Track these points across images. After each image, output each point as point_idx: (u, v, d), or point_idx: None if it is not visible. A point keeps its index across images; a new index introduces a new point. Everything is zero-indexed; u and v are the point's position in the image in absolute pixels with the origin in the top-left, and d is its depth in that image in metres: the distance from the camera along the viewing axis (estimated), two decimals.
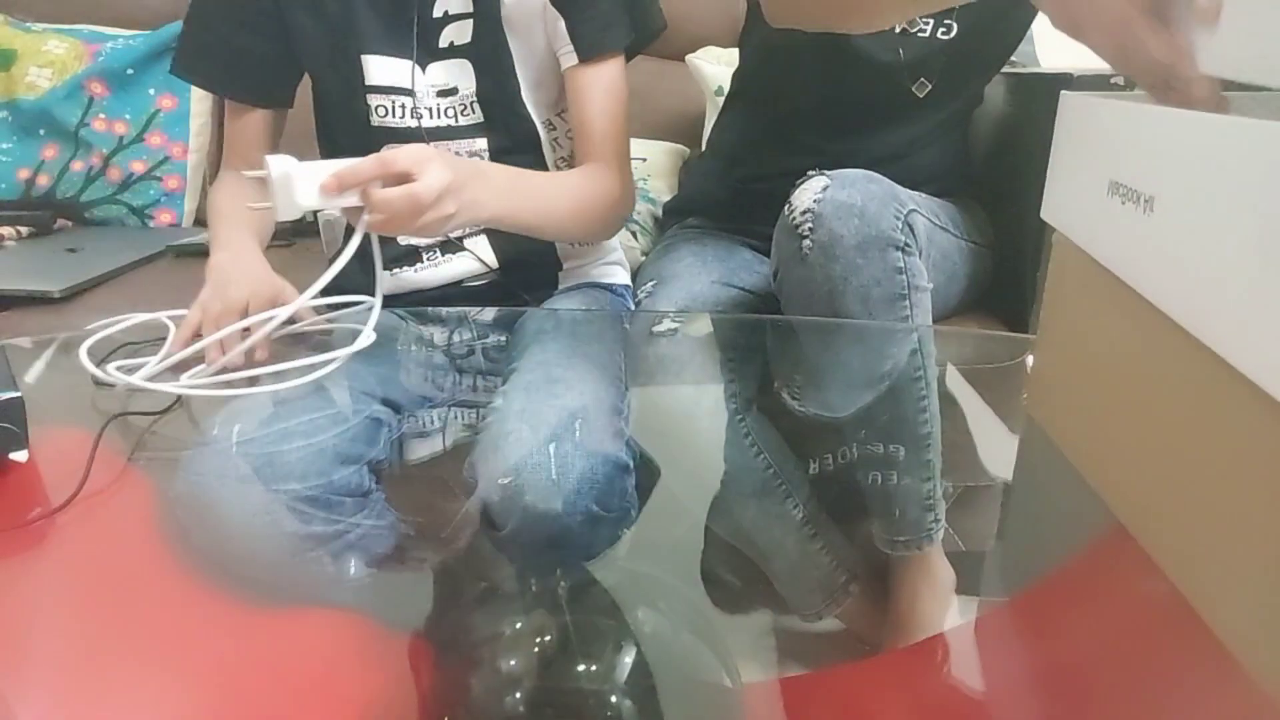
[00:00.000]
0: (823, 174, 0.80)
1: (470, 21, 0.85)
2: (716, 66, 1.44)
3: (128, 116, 1.45)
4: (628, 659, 0.45)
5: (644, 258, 1.12)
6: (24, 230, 1.33)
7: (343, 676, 0.60)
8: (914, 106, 1.02)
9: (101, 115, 1.44)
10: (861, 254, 0.76)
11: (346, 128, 0.90)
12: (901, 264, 0.78)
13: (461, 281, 0.93)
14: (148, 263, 1.26)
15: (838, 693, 0.67)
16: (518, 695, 0.44)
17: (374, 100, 0.87)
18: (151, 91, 1.46)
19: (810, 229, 0.77)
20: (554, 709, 0.44)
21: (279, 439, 0.65)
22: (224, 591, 0.64)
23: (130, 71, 1.44)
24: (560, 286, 0.97)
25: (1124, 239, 0.41)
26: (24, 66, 1.42)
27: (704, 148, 1.34)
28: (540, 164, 0.92)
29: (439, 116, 0.87)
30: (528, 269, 0.94)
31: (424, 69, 0.86)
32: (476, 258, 0.91)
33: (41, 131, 1.43)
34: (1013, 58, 1.28)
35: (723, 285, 0.96)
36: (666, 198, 1.31)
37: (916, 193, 0.90)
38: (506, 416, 0.68)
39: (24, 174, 1.42)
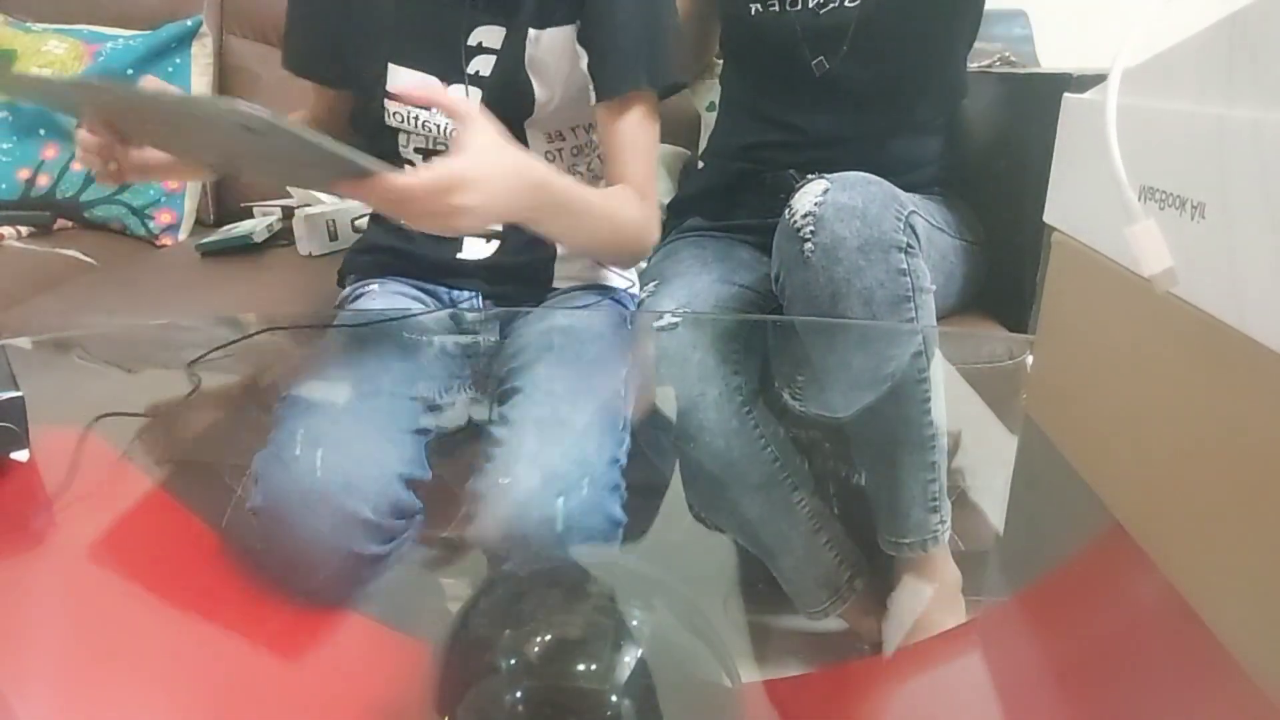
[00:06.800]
0: (822, 177, 0.81)
1: (495, 58, 0.87)
2: (706, 80, 1.44)
3: None
4: (628, 659, 0.45)
5: (644, 264, 1.13)
6: (24, 230, 1.33)
7: (343, 677, 0.60)
8: (859, 85, 1.01)
9: None
10: (864, 256, 0.76)
11: (361, 123, 0.95)
12: (905, 265, 0.78)
13: (463, 246, 0.93)
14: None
15: (838, 693, 0.67)
16: (518, 695, 0.44)
17: (391, 106, 0.89)
18: None
19: (812, 232, 0.77)
20: (554, 709, 0.44)
21: (355, 461, 0.66)
22: (225, 592, 0.64)
23: (130, 71, 1.44)
24: (555, 283, 0.96)
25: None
26: (24, 67, 1.42)
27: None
28: None
29: (448, 133, 0.89)
30: (523, 238, 0.95)
31: (446, 86, 0.88)
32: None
33: (41, 131, 1.43)
34: (1011, 57, 1.28)
35: (724, 283, 0.96)
36: (667, 200, 1.32)
37: (912, 194, 0.90)
38: (517, 457, 0.69)
39: (24, 174, 1.42)
